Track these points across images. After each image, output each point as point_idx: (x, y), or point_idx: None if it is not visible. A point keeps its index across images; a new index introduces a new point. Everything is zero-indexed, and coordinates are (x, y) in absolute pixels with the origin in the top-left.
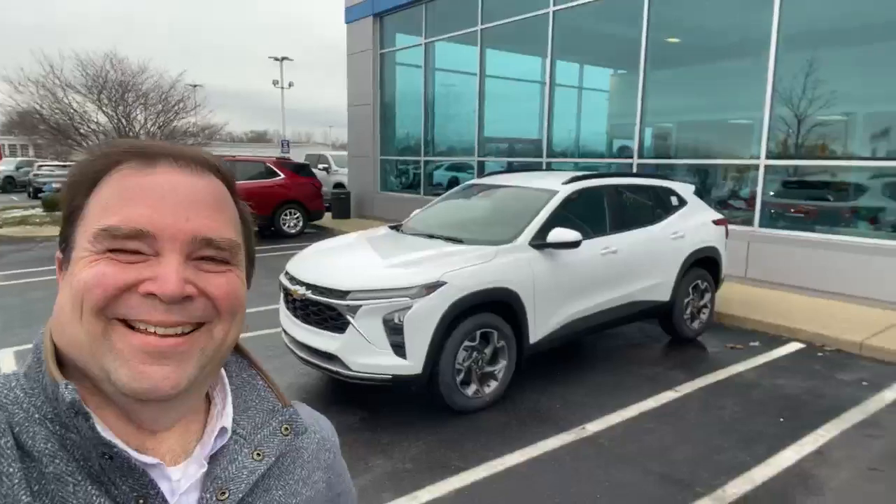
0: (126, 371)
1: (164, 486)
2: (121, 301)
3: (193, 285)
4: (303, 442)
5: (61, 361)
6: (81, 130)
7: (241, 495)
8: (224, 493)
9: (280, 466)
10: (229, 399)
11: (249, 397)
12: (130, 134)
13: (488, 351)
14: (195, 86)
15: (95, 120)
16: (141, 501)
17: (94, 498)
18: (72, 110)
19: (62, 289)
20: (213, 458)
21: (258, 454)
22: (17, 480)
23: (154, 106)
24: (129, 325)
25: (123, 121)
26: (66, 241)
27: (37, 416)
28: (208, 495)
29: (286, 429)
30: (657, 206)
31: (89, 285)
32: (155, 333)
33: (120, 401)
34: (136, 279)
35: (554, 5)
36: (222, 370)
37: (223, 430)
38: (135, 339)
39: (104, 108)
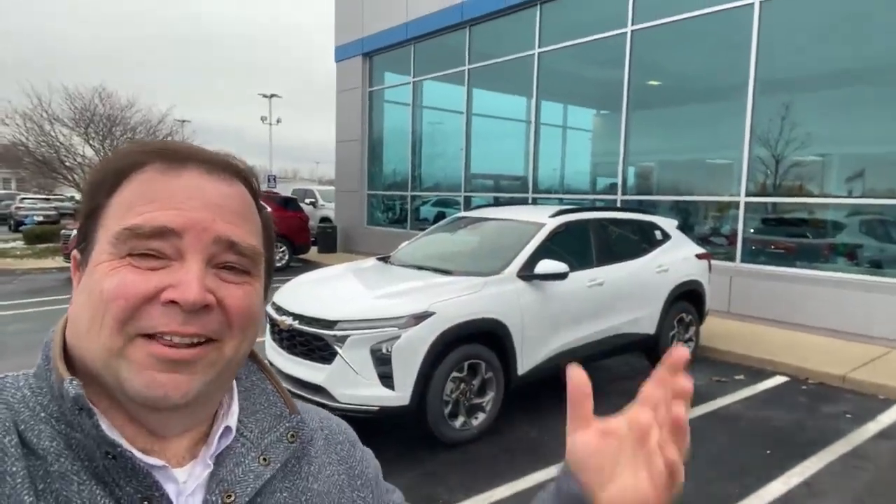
0: (139, 380)
1: (169, 488)
2: (141, 313)
3: (213, 294)
4: (311, 439)
5: (72, 363)
6: (67, 163)
7: (247, 499)
8: (230, 495)
9: (285, 468)
10: (235, 399)
11: (258, 400)
12: None
13: (476, 382)
14: (183, 121)
15: (81, 153)
16: (145, 503)
17: (99, 498)
18: (58, 143)
19: (80, 292)
20: (218, 460)
21: (264, 459)
22: (20, 479)
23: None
24: (145, 336)
25: (110, 154)
26: (85, 240)
27: (42, 414)
28: (214, 497)
29: (292, 436)
30: (642, 240)
31: (111, 296)
32: (170, 342)
33: (130, 407)
34: (157, 287)
35: (539, 47)
36: None
37: (227, 429)
38: (151, 347)
39: (91, 142)
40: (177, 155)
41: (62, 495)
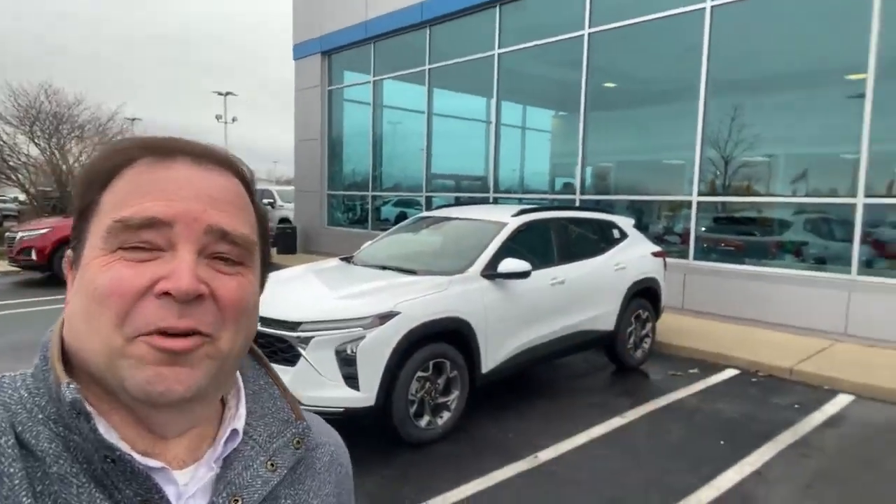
0: (141, 375)
1: (169, 490)
2: (137, 309)
3: (206, 285)
4: (316, 453)
5: (71, 363)
6: (11, 163)
7: None
8: (237, 500)
9: (292, 476)
10: (243, 402)
11: (266, 405)
12: (64, 167)
13: (441, 381)
14: (133, 119)
15: (26, 152)
16: None
17: (98, 501)
18: (1, 142)
19: (75, 291)
20: (226, 461)
21: (272, 464)
22: (17, 481)
23: (90, 138)
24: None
25: (57, 153)
26: (77, 238)
27: (40, 416)
28: (220, 500)
29: (298, 442)
30: (601, 238)
31: (106, 293)
32: (166, 334)
33: (132, 406)
34: (150, 280)
35: (499, 48)
36: (238, 374)
37: (234, 432)
38: (151, 340)
39: (36, 141)
40: (166, 148)
41: (61, 497)
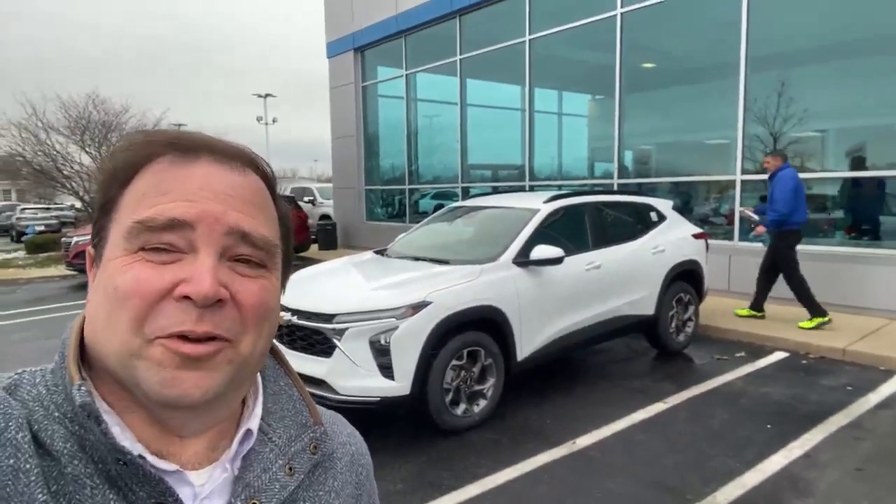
0: (157, 378)
1: (185, 492)
2: (156, 311)
3: (226, 288)
4: (336, 454)
5: (91, 360)
6: (65, 172)
7: None
8: (255, 503)
9: (309, 479)
10: (259, 401)
11: (286, 406)
12: None
13: (476, 369)
14: (179, 125)
15: (79, 161)
16: None
17: (112, 503)
18: (55, 152)
19: (95, 289)
20: (244, 462)
21: (290, 469)
22: (33, 477)
23: None
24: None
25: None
26: (98, 235)
27: (56, 414)
28: (238, 503)
29: (314, 448)
30: (637, 221)
31: (126, 293)
32: (186, 338)
33: (149, 406)
34: (171, 282)
35: (530, 34)
36: (258, 374)
37: (248, 432)
38: (168, 343)
39: (87, 149)
40: (189, 145)
41: (75, 498)
